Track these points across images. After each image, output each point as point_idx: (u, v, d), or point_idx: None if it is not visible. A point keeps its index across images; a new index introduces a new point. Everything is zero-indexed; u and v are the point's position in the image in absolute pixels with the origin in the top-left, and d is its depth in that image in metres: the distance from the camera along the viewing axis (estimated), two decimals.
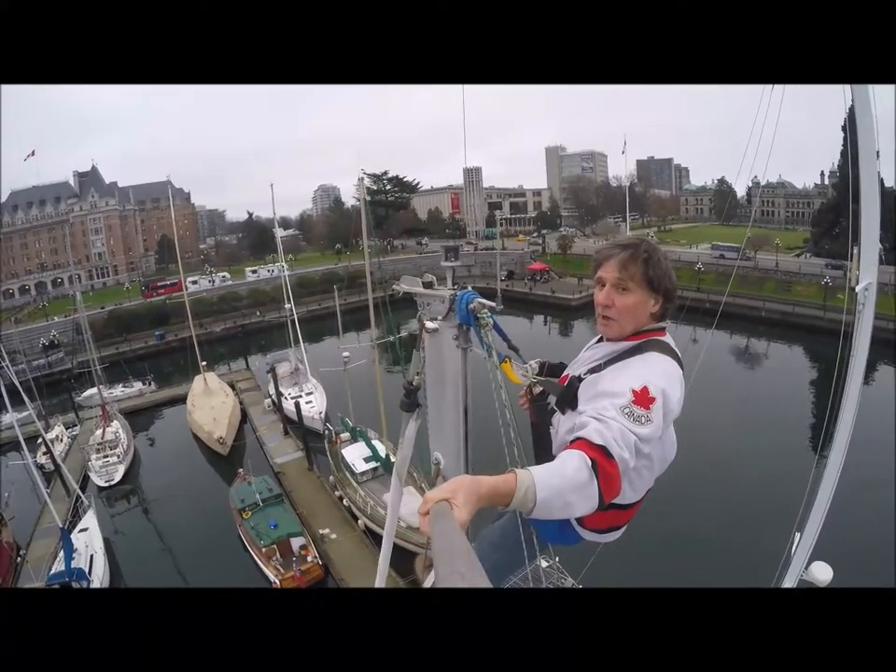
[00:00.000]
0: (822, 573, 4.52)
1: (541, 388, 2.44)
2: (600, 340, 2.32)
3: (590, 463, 1.65)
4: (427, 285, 2.74)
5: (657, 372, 1.97)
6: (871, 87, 3.43)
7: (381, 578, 4.04)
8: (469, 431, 2.79)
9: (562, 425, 2.21)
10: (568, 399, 2.16)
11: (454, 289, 2.61)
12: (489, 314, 2.41)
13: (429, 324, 2.71)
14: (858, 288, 3.98)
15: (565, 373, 2.41)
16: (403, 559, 17.14)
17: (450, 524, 1.22)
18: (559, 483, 1.59)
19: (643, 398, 1.86)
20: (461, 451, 2.81)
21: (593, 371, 2.15)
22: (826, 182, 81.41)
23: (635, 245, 2.15)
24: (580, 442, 1.74)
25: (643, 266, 2.09)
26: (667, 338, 2.18)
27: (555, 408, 2.29)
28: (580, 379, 2.17)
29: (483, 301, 2.43)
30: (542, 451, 2.30)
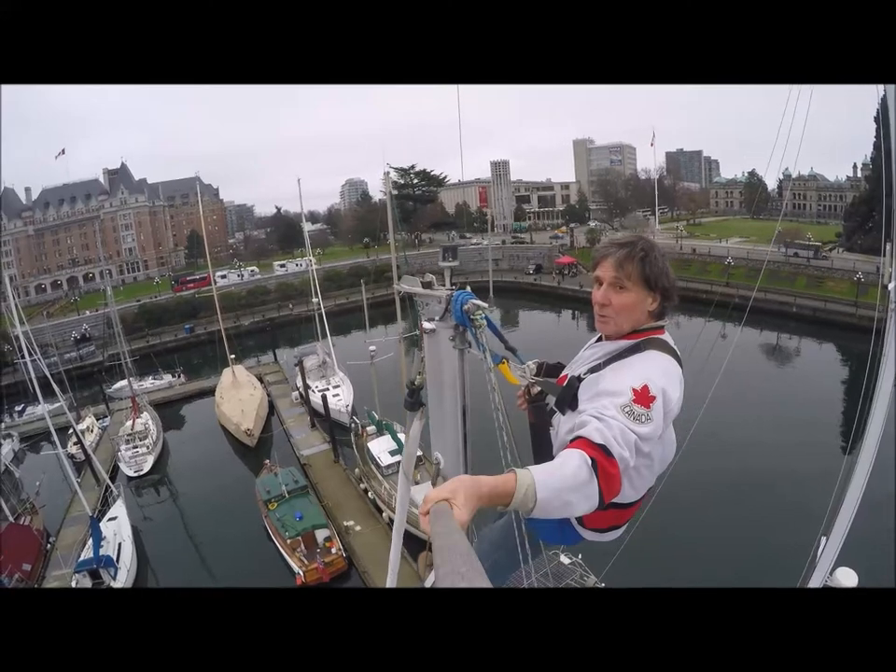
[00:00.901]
0: (847, 579, 4.42)
1: (540, 389, 2.43)
2: (599, 339, 2.31)
3: (590, 462, 1.65)
4: (427, 285, 2.74)
5: (657, 371, 1.97)
6: None
7: (392, 574, 4.03)
8: (469, 431, 2.79)
9: (562, 425, 2.20)
10: (568, 400, 2.15)
11: (451, 290, 2.60)
12: (483, 315, 2.41)
13: (427, 324, 2.72)
14: (890, 286, 3.89)
15: (563, 373, 2.40)
16: (421, 549, 17.19)
17: (450, 523, 1.23)
18: (559, 483, 1.59)
19: (643, 396, 1.86)
20: (461, 451, 2.81)
21: (592, 370, 2.15)
22: (859, 175, 79.83)
23: (631, 244, 2.14)
24: (580, 441, 1.74)
25: (640, 265, 2.08)
26: (667, 336, 2.17)
27: (555, 408, 2.29)
28: (579, 379, 2.16)
29: (477, 301, 2.43)
30: (542, 451, 2.29)
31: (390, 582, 4.04)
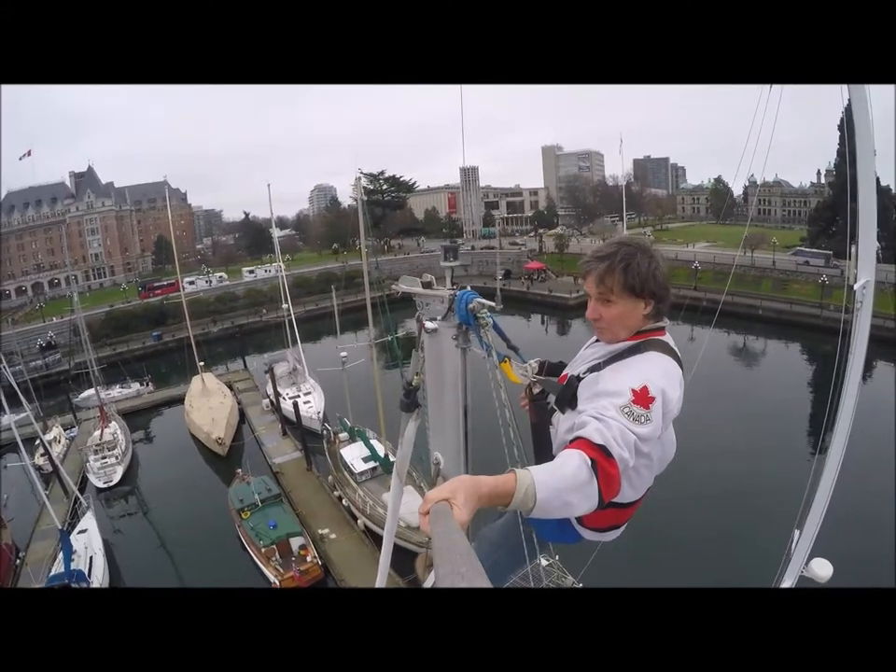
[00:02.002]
0: (822, 569, 4.53)
1: (541, 388, 2.43)
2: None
3: (590, 462, 1.66)
4: (427, 285, 2.75)
5: (657, 372, 1.98)
6: (868, 86, 3.43)
7: (382, 577, 4.04)
8: (469, 431, 2.79)
9: (562, 424, 2.21)
10: (568, 399, 2.16)
11: (453, 289, 2.61)
12: (488, 314, 2.41)
13: (429, 324, 2.72)
14: (856, 286, 3.98)
15: (564, 373, 2.41)
16: (403, 559, 17.14)
17: (450, 523, 1.23)
18: (559, 483, 1.60)
19: (643, 397, 1.87)
20: (461, 451, 2.81)
21: (592, 369, 2.16)
22: (822, 181, 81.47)
23: (611, 255, 2.12)
24: (579, 442, 1.75)
25: (621, 276, 2.08)
26: (667, 337, 2.18)
27: (555, 407, 2.29)
28: (579, 378, 2.17)
29: (483, 300, 2.43)
30: (542, 450, 2.30)
31: (380, 584, 4.04)
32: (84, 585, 19.07)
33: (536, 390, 2.46)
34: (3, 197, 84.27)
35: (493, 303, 2.46)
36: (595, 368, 2.15)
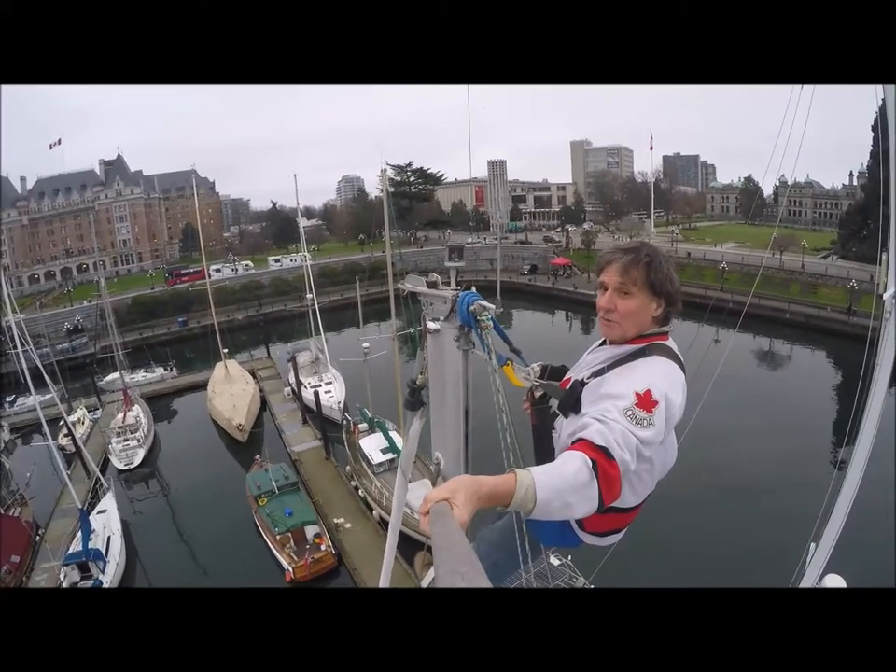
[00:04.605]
0: (836, 585, 4.44)
1: (543, 391, 2.42)
2: (602, 343, 2.33)
3: (591, 464, 1.65)
4: (432, 284, 2.73)
5: (660, 376, 1.98)
6: None
7: (386, 573, 4.03)
8: (470, 432, 2.78)
9: (564, 428, 2.20)
10: (571, 403, 2.15)
11: (456, 290, 2.60)
12: (490, 316, 2.40)
13: (431, 324, 2.72)
14: (886, 296, 3.90)
15: (567, 377, 2.41)
16: (413, 550, 17.22)
17: (450, 523, 1.22)
18: (559, 484, 1.59)
19: (646, 401, 1.87)
20: (461, 451, 2.81)
21: (596, 374, 2.16)
22: (855, 183, 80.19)
23: (636, 250, 2.16)
24: (581, 443, 1.74)
25: (645, 270, 2.10)
26: (671, 342, 2.18)
27: (557, 411, 2.29)
28: (582, 383, 2.17)
29: (484, 302, 2.41)
30: (544, 454, 2.30)
31: (384, 581, 4.03)
32: (101, 564, 19.55)
33: (538, 394, 2.45)
34: (31, 185, 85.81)
35: (493, 305, 2.43)
36: (599, 372, 2.14)
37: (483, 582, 0.98)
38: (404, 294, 2.96)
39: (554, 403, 2.32)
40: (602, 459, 1.67)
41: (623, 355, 2.13)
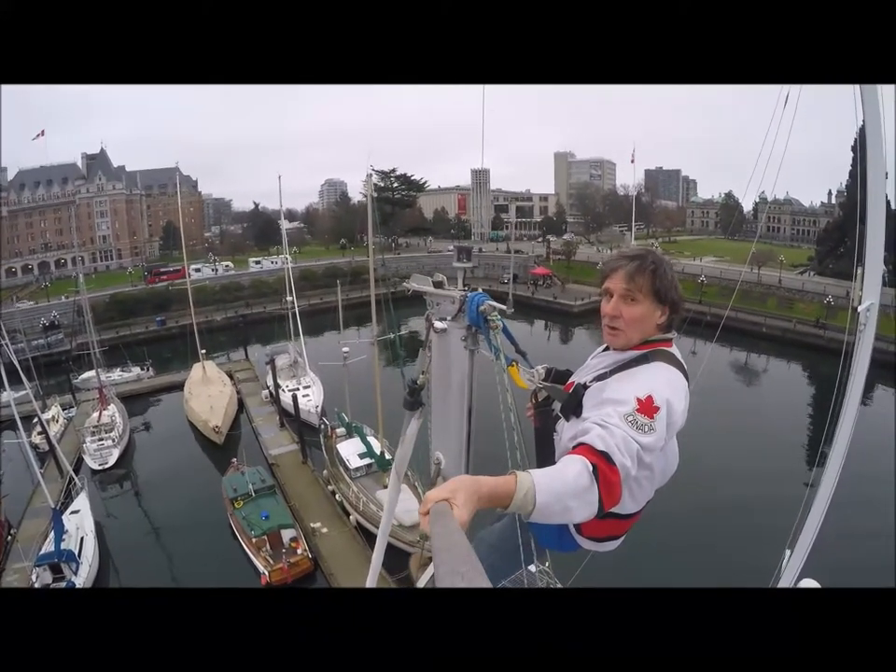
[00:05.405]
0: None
1: (546, 394, 2.42)
2: (606, 348, 2.32)
3: (591, 468, 1.65)
4: (438, 284, 2.75)
5: (662, 382, 1.98)
6: (882, 108, 3.45)
7: (373, 574, 4.03)
8: (472, 432, 2.79)
9: (566, 432, 2.20)
10: (573, 407, 2.16)
11: (464, 290, 2.61)
12: (499, 316, 2.42)
13: (438, 324, 2.72)
14: (860, 308, 3.99)
15: (570, 380, 2.41)
16: (394, 558, 17.12)
17: (450, 523, 1.23)
18: (559, 488, 1.59)
19: (647, 407, 1.87)
20: (463, 451, 2.80)
21: (598, 378, 2.16)
22: (833, 201, 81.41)
23: (642, 257, 2.16)
24: (582, 448, 1.74)
25: (650, 277, 2.10)
26: (674, 349, 2.18)
27: (560, 414, 2.29)
28: (585, 387, 2.18)
29: (494, 303, 2.43)
30: (545, 457, 2.30)
31: (370, 582, 4.03)
32: (73, 566, 19.13)
33: (541, 396, 2.45)
34: (12, 176, 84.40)
35: (504, 306, 2.46)
36: (602, 377, 2.15)
37: (483, 582, 0.99)
38: (409, 293, 2.98)
39: (557, 406, 2.32)
40: (603, 464, 1.68)
41: (626, 360, 2.14)
